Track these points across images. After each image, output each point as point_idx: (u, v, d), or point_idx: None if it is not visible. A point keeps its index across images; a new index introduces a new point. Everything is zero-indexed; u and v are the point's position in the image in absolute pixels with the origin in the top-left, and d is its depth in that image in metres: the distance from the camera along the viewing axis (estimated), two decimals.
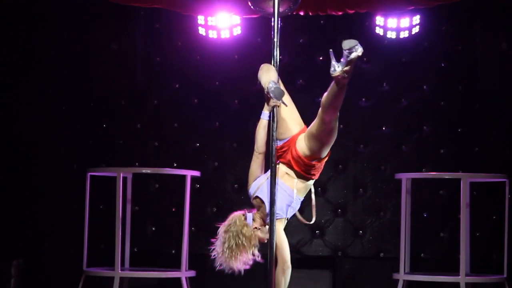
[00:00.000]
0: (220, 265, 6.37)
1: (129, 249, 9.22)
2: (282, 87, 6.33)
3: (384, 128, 9.71)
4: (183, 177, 8.85)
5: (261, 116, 6.43)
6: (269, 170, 6.15)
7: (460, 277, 8.61)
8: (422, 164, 9.61)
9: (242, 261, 6.20)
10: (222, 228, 6.39)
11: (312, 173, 6.26)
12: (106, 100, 9.87)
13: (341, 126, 9.62)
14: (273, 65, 6.35)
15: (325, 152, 6.23)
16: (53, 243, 9.61)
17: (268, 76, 6.27)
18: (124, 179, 9.06)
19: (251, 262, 6.21)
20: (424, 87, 9.72)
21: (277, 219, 6.10)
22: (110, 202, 8.85)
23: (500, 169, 9.05)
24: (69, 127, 9.79)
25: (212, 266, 9.48)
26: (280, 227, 6.18)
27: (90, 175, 8.99)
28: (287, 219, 6.27)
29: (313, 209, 6.33)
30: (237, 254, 6.21)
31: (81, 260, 8.88)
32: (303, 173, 6.23)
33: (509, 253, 8.82)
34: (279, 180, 6.19)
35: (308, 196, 6.40)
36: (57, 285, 9.41)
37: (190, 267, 8.95)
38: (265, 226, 6.25)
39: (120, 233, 8.71)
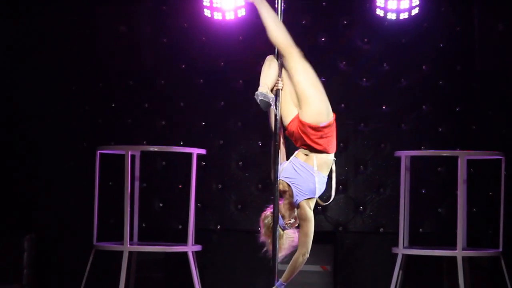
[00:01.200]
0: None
1: (137, 224, 9.22)
2: (280, 84, 6.26)
3: (384, 107, 9.68)
4: (189, 154, 8.84)
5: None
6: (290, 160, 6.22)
7: (457, 251, 8.61)
8: (421, 142, 9.58)
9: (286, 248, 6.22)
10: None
11: (323, 143, 6.20)
12: (114, 81, 9.85)
13: (342, 105, 9.67)
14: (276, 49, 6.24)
15: (323, 113, 6.23)
16: (64, 219, 9.64)
17: (266, 76, 6.30)
18: (133, 157, 9.03)
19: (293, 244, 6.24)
20: (423, 67, 9.68)
21: (307, 199, 6.13)
22: (118, 179, 8.86)
23: (496, 147, 9.05)
24: (79, 107, 9.80)
25: (217, 240, 9.58)
26: (309, 209, 6.16)
27: (100, 153, 9.00)
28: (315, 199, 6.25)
29: (332, 188, 6.36)
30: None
31: (91, 234, 8.88)
32: (315, 144, 6.17)
33: (505, 228, 8.82)
34: (300, 161, 6.20)
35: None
36: (68, 259, 9.45)
37: (196, 242, 8.94)
38: (293, 210, 6.23)
39: (129, 209, 8.71)
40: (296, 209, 6.22)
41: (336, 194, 9.39)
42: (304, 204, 6.15)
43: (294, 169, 6.23)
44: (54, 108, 9.72)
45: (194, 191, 8.80)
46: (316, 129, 6.16)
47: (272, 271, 6.17)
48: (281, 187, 6.22)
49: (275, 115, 6.25)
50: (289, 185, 6.21)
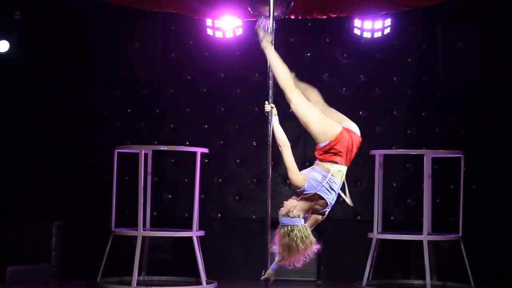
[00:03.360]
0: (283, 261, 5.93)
1: (149, 213, 9.24)
2: (268, 107, 6.20)
3: (361, 113, 9.68)
4: (194, 153, 8.86)
5: (273, 122, 6.14)
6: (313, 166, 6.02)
7: (423, 236, 8.67)
8: (392, 142, 9.58)
9: (302, 259, 5.86)
10: (286, 236, 5.84)
11: (335, 158, 6.02)
12: (130, 90, 9.85)
13: None
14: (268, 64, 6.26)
15: (318, 138, 6.07)
16: (87, 208, 9.64)
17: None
18: (146, 155, 9.04)
19: (311, 256, 5.91)
20: (394, 78, 9.70)
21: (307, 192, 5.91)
22: (133, 174, 8.89)
23: (457, 147, 9.08)
24: (100, 112, 9.80)
25: (218, 227, 9.58)
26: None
27: (117, 152, 9.02)
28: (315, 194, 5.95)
29: (347, 195, 6.11)
30: (296, 254, 5.83)
31: (110, 222, 8.91)
32: (349, 161, 6.05)
33: (464, 216, 8.85)
34: (318, 167, 5.98)
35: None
36: (90, 243, 9.43)
37: (200, 228, 8.94)
38: (311, 214, 6.00)
39: (142, 200, 8.74)
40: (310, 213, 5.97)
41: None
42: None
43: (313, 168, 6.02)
44: (80, 113, 9.73)
45: (198, 184, 8.84)
46: (320, 149, 6.04)
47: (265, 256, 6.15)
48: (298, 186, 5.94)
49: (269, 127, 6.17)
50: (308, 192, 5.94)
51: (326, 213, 6.06)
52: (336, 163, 5.97)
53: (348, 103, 9.67)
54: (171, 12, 9.15)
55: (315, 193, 5.89)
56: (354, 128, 6.12)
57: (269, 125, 6.14)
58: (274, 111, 6.16)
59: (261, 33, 6.19)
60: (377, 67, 9.71)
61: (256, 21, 6.37)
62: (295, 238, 5.77)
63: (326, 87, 9.66)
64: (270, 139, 6.19)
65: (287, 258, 5.83)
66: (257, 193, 9.58)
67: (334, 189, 5.96)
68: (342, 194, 6.06)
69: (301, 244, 5.77)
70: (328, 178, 5.91)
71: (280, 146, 6.03)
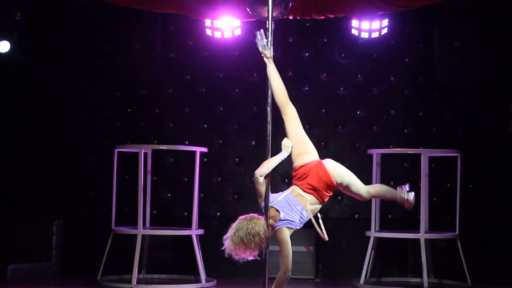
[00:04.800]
0: (229, 254, 5.91)
1: (149, 211, 9.25)
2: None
3: (358, 112, 9.69)
4: (193, 152, 8.89)
5: (281, 157, 6.08)
6: (286, 190, 6.03)
7: (420, 234, 8.69)
8: (389, 142, 9.58)
9: (248, 254, 5.83)
10: (242, 223, 5.87)
11: (325, 198, 6.06)
12: (130, 89, 9.84)
13: (323, 110, 9.69)
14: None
15: (295, 159, 6.11)
16: (87, 207, 9.64)
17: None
18: (145, 154, 9.07)
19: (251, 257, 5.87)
20: (392, 78, 9.70)
21: (288, 227, 5.90)
22: (133, 173, 8.91)
23: (453, 146, 9.09)
24: (100, 112, 9.79)
25: (217, 225, 9.58)
26: (288, 235, 5.91)
27: (117, 151, 9.03)
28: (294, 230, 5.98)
29: (323, 230, 6.07)
30: (248, 248, 5.80)
31: (110, 220, 8.93)
32: (319, 198, 6.01)
33: (461, 215, 8.88)
34: (294, 198, 5.98)
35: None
36: (90, 241, 9.43)
37: (199, 226, 8.97)
38: (273, 231, 5.98)
39: (142, 199, 8.75)
40: (276, 232, 5.95)
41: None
42: (285, 229, 5.90)
43: (287, 201, 5.99)
44: (80, 113, 9.72)
45: (198, 183, 8.86)
46: (293, 170, 6.10)
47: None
48: (271, 213, 5.94)
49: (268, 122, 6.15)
50: (277, 211, 5.94)
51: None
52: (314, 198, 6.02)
53: (345, 102, 9.69)
54: (170, 13, 9.15)
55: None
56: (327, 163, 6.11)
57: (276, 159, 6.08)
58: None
59: (260, 48, 6.18)
60: (374, 67, 9.70)
61: (255, 21, 6.35)
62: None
63: (324, 87, 9.70)
64: (270, 138, 6.15)
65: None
66: (255, 192, 9.54)
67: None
68: (317, 228, 6.03)
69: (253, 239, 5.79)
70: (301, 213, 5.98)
71: (256, 177, 6.02)
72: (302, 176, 6.04)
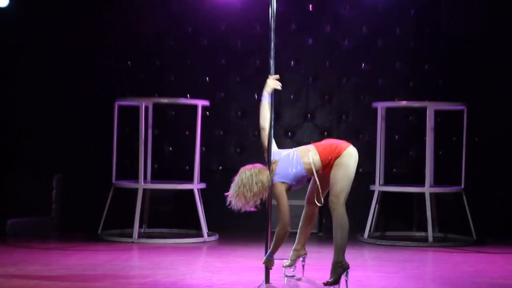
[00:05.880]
0: (230, 202, 5.88)
1: (150, 165, 9.22)
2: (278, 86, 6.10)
3: (363, 65, 9.63)
4: (195, 106, 8.84)
5: (262, 98, 6.10)
6: (293, 149, 5.97)
7: (425, 188, 8.67)
8: (394, 95, 9.52)
9: (252, 204, 5.82)
10: (247, 170, 5.88)
11: (327, 168, 5.90)
12: (130, 41, 9.74)
13: (327, 63, 9.62)
14: (270, 15, 6.09)
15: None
16: (87, 161, 9.58)
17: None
18: (146, 107, 9.02)
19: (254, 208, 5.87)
20: (397, 30, 9.62)
21: (281, 181, 5.83)
22: (134, 127, 8.89)
23: (460, 99, 9.02)
24: (99, 64, 9.68)
25: (219, 179, 9.56)
26: (283, 190, 5.84)
27: (118, 104, 8.97)
28: (290, 187, 5.89)
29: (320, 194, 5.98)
30: (250, 193, 5.77)
31: (111, 174, 8.90)
32: (323, 162, 5.87)
33: (466, 169, 8.85)
34: (298, 154, 5.90)
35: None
36: (90, 195, 9.38)
37: (201, 180, 8.97)
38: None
39: (143, 153, 8.73)
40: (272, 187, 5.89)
41: (321, 139, 9.41)
42: (278, 184, 5.83)
43: (289, 156, 5.92)
44: (79, 65, 9.60)
45: (199, 136, 8.81)
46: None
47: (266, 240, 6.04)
48: (274, 166, 5.89)
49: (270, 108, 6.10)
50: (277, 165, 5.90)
51: None
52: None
53: (350, 55, 9.63)
54: None
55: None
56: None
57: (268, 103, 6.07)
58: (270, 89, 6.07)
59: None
60: (379, 19, 9.60)
61: None
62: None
63: (328, 39, 9.64)
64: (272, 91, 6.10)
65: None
66: (258, 145, 9.48)
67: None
68: (318, 186, 5.96)
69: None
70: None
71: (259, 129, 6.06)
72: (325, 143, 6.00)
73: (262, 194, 5.80)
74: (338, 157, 5.84)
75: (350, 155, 5.90)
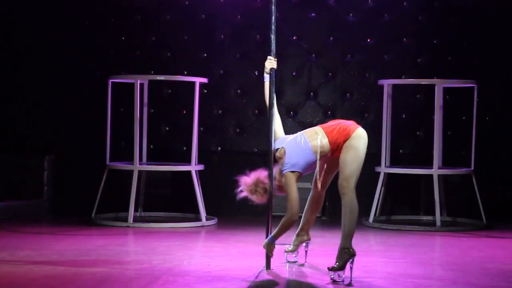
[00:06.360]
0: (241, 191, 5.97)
1: (146, 146, 9.20)
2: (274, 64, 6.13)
3: (368, 40, 9.58)
4: (193, 83, 8.81)
5: (264, 80, 6.17)
6: (298, 133, 5.94)
7: (433, 169, 8.66)
8: (401, 72, 9.50)
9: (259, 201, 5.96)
10: (250, 183, 5.92)
11: (336, 152, 5.85)
12: (124, 16, 9.68)
13: (331, 38, 9.57)
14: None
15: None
16: (80, 141, 9.57)
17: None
18: (141, 85, 8.99)
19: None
20: (404, 3, 9.56)
21: (291, 171, 5.79)
22: (128, 106, 8.86)
23: (470, 76, 8.99)
24: (92, 40, 9.65)
25: (218, 160, 9.55)
26: (294, 180, 5.81)
27: (111, 82, 8.95)
28: (301, 174, 5.87)
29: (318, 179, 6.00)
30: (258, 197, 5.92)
31: (104, 156, 8.89)
32: (332, 145, 5.81)
33: (476, 149, 8.83)
34: (305, 138, 5.86)
35: None
36: (83, 177, 9.40)
37: (199, 162, 8.94)
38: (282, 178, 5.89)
39: (138, 133, 8.72)
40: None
41: (325, 118, 9.45)
42: (288, 174, 5.79)
43: (296, 141, 5.88)
44: (71, 42, 9.58)
45: (197, 116, 8.79)
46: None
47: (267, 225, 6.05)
48: (278, 154, 5.90)
49: (270, 88, 6.10)
50: (285, 153, 5.86)
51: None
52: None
53: (355, 29, 9.58)
54: None
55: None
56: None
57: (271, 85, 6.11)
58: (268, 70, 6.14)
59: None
60: None
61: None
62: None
63: (332, 13, 9.59)
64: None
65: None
66: (259, 125, 9.54)
67: None
68: (317, 172, 5.95)
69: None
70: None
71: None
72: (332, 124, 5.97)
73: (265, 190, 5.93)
74: (347, 139, 5.79)
75: (359, 137, 5.84)
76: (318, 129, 5.93)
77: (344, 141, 5.80)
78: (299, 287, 5.66)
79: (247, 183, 5.91)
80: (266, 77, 6.14)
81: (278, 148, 5.94)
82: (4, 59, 9.55)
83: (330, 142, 5.83)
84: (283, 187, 5.86)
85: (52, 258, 6.35)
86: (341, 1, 9.63)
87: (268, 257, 5.99)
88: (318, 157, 5.84)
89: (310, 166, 5.88)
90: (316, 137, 5.85)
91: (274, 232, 5.94)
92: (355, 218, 5.77)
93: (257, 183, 5.89)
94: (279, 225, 5.90)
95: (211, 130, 9.64)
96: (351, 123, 5.93)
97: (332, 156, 5.89)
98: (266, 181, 5.90)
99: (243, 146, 9.62)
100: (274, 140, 6.00)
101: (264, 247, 5.98)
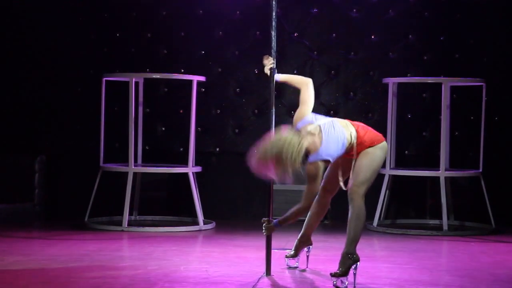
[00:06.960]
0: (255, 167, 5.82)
1: (141, 147, 9.24)
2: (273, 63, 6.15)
3: (373, 37, 9.60)
4: (190, 81, 8.82)
5: (277, 80, 6.20)
6: (330, 119, 5.84)
7: (440, 171, 8.67)
8: (407, 70, 9.51)
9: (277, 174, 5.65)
10: (282, 137, 5.65)
11: (351, 152, 5.79)
12: (119, 12, 9.71)
13: (334, 35, 9.60)
14: None
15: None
16: (73, 142, 9.60)
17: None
18: (136, 83, 9.02)
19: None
20: None
21: (323, 160, 5.67)
22: (123, 105, 8.86)
23: (478, 74, 9.01)
24: (86, 37, 9.68)
25: (216, 162, 9.58)
26: (320, 170, 5.67)
27: (105, 80, 8.97)
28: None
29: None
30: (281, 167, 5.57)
31: (98, 157, 8.90)
32: (357, 144, 5.74)
33: (485, 150, 8.85)
34: (340, 125, 5.77)
35: None
36: (76, 179, 9.43)
37: (197, 163, 8.98)
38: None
39: (133, 133, 8.73)
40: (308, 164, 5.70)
41: None
42: (319, 163, 5.66)
43: (333, 125, 5.75)
44: (63, 38, 9.61)
45: (194, 116, 8.80)
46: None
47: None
48: (315, 131, 5.70)
49: (271, 85, 6.14)
50: (321, 130, 5.70)
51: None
52: None
53: (359, 26, 9.59)
54: None
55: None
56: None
57: (272, 84, 6.15)
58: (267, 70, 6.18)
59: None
60: None
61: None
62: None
63: (335, 9, 9.61)
64: (274, 65, 6.16)
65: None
66: (258, 125, 9.55)
67: None
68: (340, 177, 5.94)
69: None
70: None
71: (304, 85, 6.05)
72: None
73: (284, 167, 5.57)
74: (373, 146, 5.77)
75: (382, 149, 5.83)
76: (347, 121, 5.86)
77: (369, 146, 5.78)
78: None
79: (279, 144, 5.62)
80: (276, 76, 6.14)
81: (314, 125, 5.75)
82: None
83: (357, 137, 5.77)
84: (308, 175, 5.69)
85: (43, 263, 6.37)
86: None
87: (269, 261, 6.01)
88: (346, 148, 5.76)
89: (336, 158, 5.80)
90: (349, 129, 5.78)
91: (281, 217, 5.94)
92: (362, 224, 5.79)
93: (288, 148, 5.56)
94: (289, 212, 5.88)
95: (209, 131, 9.66)
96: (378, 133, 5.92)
97: (345, 156, 5.84)
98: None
99: (242, 147, 9.59)
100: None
101: (263, 226, 6.01)
